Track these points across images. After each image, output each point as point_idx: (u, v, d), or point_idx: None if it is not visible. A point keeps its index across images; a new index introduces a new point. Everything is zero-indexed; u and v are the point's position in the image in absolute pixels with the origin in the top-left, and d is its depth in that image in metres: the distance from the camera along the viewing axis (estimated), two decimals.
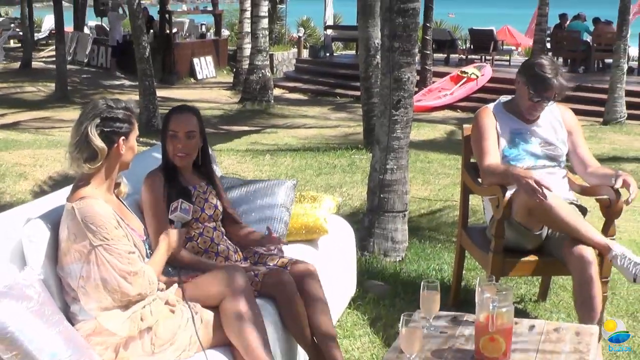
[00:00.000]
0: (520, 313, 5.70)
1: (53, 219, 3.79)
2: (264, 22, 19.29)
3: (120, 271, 3.63)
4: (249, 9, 20.73)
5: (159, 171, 4.67)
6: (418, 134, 15.32)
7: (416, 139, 14.00)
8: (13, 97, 20.93)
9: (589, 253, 4.77)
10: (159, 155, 4.80)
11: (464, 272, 6.05)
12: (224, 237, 4.79)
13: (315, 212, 5.41)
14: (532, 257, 5.17)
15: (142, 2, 15.44)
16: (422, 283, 3.88)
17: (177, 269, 4.30)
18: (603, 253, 4.84)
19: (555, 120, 5.42)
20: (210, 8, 31.20)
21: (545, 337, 3.87)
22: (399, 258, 6.79)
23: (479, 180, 5.44)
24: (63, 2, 21.52)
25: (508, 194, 4.96)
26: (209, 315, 3.96)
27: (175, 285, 4.10)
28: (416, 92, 19.80)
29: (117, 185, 4.00)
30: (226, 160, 11.73)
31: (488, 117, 5.36)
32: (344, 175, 10.55)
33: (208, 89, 23.65)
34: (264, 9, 19.26)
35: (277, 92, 22.13)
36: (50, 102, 19.91)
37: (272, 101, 19.94)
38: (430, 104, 19.54)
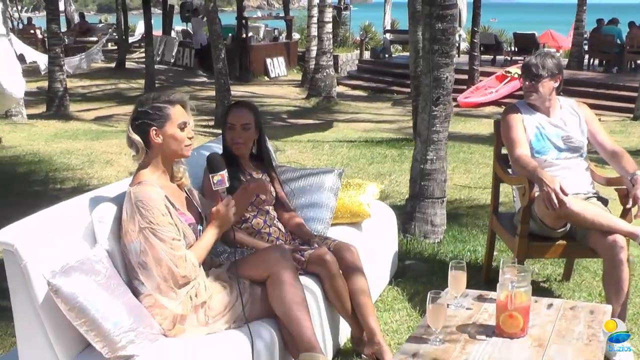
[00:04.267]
0: (546, 292, 5.61)
1: (119, 202, 3.78)
2: (328, 27, 19.33)
3: (166, 252, 3.59)
4: (316, 15, 20.75)
5: None
6: (464, 127, 15.19)
7: (462, 132, 13.89)
8: (109, 93, 21.19)
9: (621, 239, 4.65)
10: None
11: (496, 253, 5.96)
12: (276, 220, 4.78)
13: (359, 198, 5.37)
14: (557, 242, 5.05)
15: (224, 9, 15.43)
16: (450, 263, 3.83)
17: (231, 249, 4.32)
18: (631, 238, 4.73)
19: (575, 113, 5.32)
20: (282, 14, 31.38)
21: (562, 314, 3.79)
22: (437, 240, 6.71)
23: (509, 170, 5.36)
24: (154, 9, 21.76)
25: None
26: (257, 290, 3.93)
27: (228, 262, 4.09)
28: (464, 90, 19.69)
29: (179, 176, 3.97)
30: (290, 150, 11.77)
31: (515, 112, 5.31)
32: (394, 164, 10.47)
33: (279, 86, 23.74)
34: (329, 15, 19.31)
35: (340, 89, 22.15)
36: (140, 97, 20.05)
37: (335, 97, 19.97)
38: (477, 100, 19.37)
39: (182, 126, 3.80)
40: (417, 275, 5.85)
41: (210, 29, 15.26)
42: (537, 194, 4.89)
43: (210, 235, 3.83)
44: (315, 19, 20.99)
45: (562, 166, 5.13)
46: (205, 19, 26.04)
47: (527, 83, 5.25)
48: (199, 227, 3.89)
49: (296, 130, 14.87)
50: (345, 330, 4.71)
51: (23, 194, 8.15)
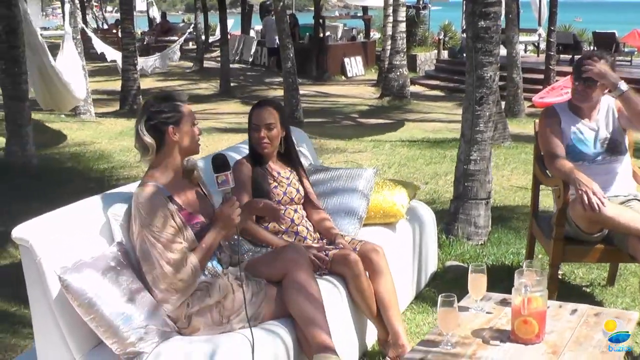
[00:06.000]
0: (587, 297, 5.46)
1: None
2: (402, 26, 19.13)
3: (163, 255, 3.57)
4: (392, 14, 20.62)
5: (245, 158, 4.71)
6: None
7: (531, 134, 13.57)
8: (187, 93, 21.37)
9: None
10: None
11: (539, 256, 5.83)
12: (304, 219, 4.75)
13: (393, 198, 5.29)
14: (594, 246, 4.90)
15: (310, 9, 15.45)
16: (469, 266, 3.77)
17: (255, 247, 4.33)
18: None
19: (610, 110, 5.14)
20: (360, 14, 31.36)
21: (584, 321, 3.67)
22: (480, 242, 6.59)
23: (547, 172, 5.21)
24: (234, 9, 21.99)
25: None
26: (273, 289, 3.90)
27: (245, 262, 4.07)
28: (540, 90, 19.33)
29: (192, 171, 3.98)
30: (349, 149, 11.73)
31: (552, 114, 5.16)
32: (451, 165, 10.18)
33: (355, 85, 23.66)
34: (402, 15, 19.11)
35: (417, 88, 21.99)
36: (215, 96, 20.30)
37: (409, 97, 19.76)
38: (552, 100, 18.92)
39: (195, 122, 3.87)
40: (457, 277, 5.73)
41: (279, 27, 15.24)
42: (572, 197, 4.75)
43: (213, 236, 3.79)
44: (390, 19, 20.85)
45: (600, 169, 4.97)
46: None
47: (578, 86, 5.06)
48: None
49: (364, 129, 14.79)
50: (373, 332, 4.64)
51: (78, 191, 8.22)
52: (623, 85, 4.86)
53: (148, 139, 3.72)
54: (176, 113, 3.79)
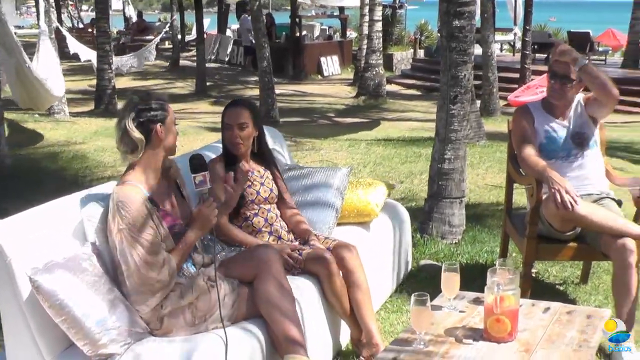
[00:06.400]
0: (561, 295, 5.48)
1: (109, 201, 3.75)
2: (378, 25, 19.16)
3: (141, 256, 3.55)
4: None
5: (219, 158, 4.68)
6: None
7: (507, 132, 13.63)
8: (161, 91, 21.30)
9: (630, 242, 4.49)
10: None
11: (513, 255, 5.84)
12: (279, 218, 4.73)
13: (367, 197, 5.29)
14: (567, 244, 4.91)
15: (286, 8, 15.39)
16: (442, 265, 3.77)
17: (229, 247, 4.31)
18: None
19: (579, 105, 5.17)
20: (337, 13, 31.37)
21: (556, 319, 3.68)
22: (455, 240, 6.61)
23: (521, 170, 5.23)
24: (210, 8, 21.90)
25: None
26: (246, 289, 3.88)
27: (218, 262, 4.04)
28: (516, 89, 19.41)
29: (169, 169, 3.95)
30: (325, 148, 11.71)
31: (525, 113, 5.19)
32: (426, 164, 10.17)
33: (331, 84, 23.68)
34: (378, 14, 19.14)
35: (394, 88, 22.06)
36: (191, 96, 20.25)
37: (385, 96, 19.80)
38: (527, 99, 18.97)
39: (175, 122, 3.86)
40: (431, 276, 5.74)
41: (255, 27, 15.23)
42: (545, 195, 4.77)
43: (190, 237, 3.78)
44: (367, 18, 20.87)
45: (573, 167, 5.00)
46: None
47: (555, 84, 5.07)
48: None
49: (339, 129, 14.79)
50: (346, 332, 4.63)
51: (52, 191, 8.17)
52: (583, 60, 4.91)
53: (138, 134, 3.66)
54: (163, 111, 3.76)
